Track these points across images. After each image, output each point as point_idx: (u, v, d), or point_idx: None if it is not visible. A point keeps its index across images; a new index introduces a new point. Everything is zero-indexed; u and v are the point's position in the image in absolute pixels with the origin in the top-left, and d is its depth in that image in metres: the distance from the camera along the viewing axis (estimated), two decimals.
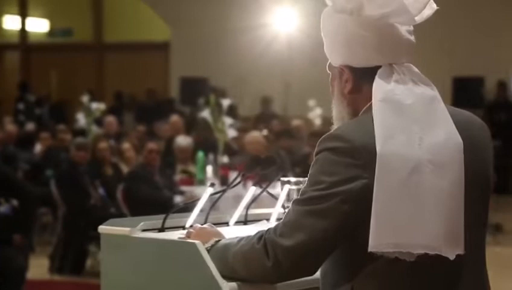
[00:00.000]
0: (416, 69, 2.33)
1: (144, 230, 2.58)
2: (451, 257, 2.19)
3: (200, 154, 8.71)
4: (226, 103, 9.04)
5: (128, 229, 2.56)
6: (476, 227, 2.32)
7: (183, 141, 9.50)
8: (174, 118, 12.08)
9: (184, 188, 8.66)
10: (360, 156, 2.18)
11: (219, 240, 2.44)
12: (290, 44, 15.88)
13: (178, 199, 8.34)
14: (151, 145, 8.72)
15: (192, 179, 8.89)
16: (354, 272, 2.25)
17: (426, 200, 2.16)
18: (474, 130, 2.35)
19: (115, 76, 18.47)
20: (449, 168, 2.19)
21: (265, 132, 11.41)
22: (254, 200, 2.81)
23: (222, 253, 2.38)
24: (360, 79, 2.31)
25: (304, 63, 15.52)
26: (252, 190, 2.81)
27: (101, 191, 8.68)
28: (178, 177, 9.05)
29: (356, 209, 2.18)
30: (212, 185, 2.71)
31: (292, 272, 2.26)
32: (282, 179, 2.85)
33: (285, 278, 2.31)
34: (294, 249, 2.21)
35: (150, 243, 2.52)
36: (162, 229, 2.63)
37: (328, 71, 2.41)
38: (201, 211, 2.71)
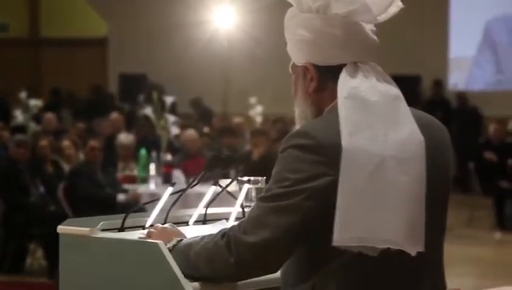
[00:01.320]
0: (380, 69, 2.35)
1: (103, 230, 2.55)
2: (413, 253, 2.20)
3: (143, 152, 8.65)
4: (169, 100, 9.00)
5: (88, 229, 2.52)
6: (436, 225, 2.34)
7: (125, 138, 9.42)
8: (114, 115, 11.97)
9: (127, 186, 8.60)
10: (326, 153, 2.19)
11: (181, 240, 2.42)
12: (230, 41, 15.86)
13: (121, 197, 8.29)
14: (93, 142, 8.62)
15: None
16: (315, 270, 2.24)
17: (389, 196, 2.17)
18: (435, 130, 2.38)
19: (52, 72, 18.22)
20: (412, 164, 2.21)
21: (206, 129, 11.40)
22: (214, 199, 2.79)
23: (184, 252, 2.36)
24: (325, 77, 2.32)
25: (243, 60, 15.51)
26: (212, 189, 2.79)
27: (41, 189, 8.56)
28: (120, 175, 8.97)
29: (320, 206, 2.18)
30: (173, 184, 2.69)
31: (255, 269, 2.26)
32: (240, 178, 2.84)
33: (248, 275, 2.30)
34: (257, 245, 2.20)
35: (110, 243, 2.49)
36: (121, 229, 2.60)
37: (291, 72, 2.41)
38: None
